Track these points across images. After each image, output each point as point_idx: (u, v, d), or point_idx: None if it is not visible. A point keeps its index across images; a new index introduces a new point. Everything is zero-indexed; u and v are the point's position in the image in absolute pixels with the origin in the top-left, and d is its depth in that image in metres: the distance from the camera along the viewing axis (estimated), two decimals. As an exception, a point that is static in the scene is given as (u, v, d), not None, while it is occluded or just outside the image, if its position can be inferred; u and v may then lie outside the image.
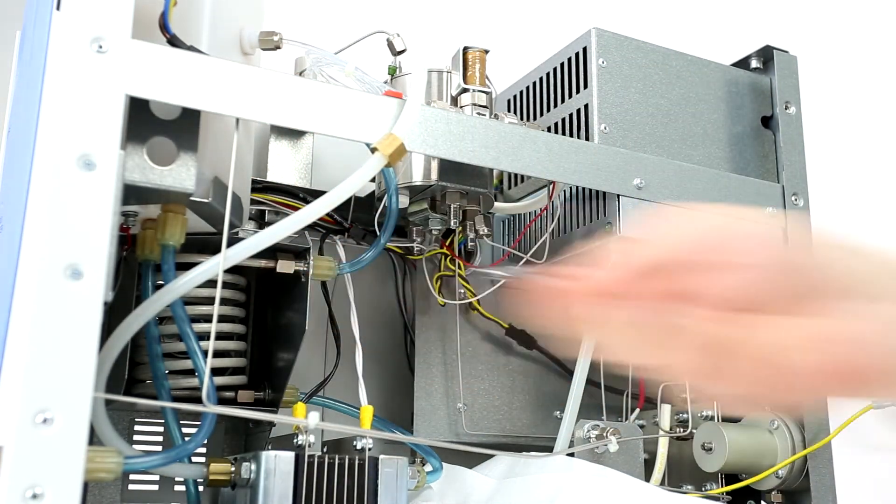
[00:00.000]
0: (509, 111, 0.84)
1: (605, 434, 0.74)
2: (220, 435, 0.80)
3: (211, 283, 0.58)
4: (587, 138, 0.74)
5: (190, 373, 0.68)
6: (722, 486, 0.79)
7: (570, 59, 0.78)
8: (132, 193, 0.56)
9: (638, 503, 0.68)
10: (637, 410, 0.81)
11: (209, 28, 0.61)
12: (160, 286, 0.57)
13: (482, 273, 0.81)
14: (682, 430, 0.78)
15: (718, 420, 0.78)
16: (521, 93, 0.85)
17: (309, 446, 0.63)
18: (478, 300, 0.81)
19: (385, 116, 0.61)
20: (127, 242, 0.63)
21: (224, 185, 0.60)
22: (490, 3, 1.58)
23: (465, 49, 0.72)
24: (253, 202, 0.74)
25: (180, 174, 0.56)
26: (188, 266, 0.57)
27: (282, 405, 0.72)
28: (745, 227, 0.37)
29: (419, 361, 0.80)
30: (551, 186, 0.77)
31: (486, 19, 1.54)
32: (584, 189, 0.75)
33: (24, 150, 0.53)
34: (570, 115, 0.77)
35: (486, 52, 0.72)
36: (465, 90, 0.71)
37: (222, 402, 0.71)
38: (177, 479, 0.77)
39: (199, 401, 0.56)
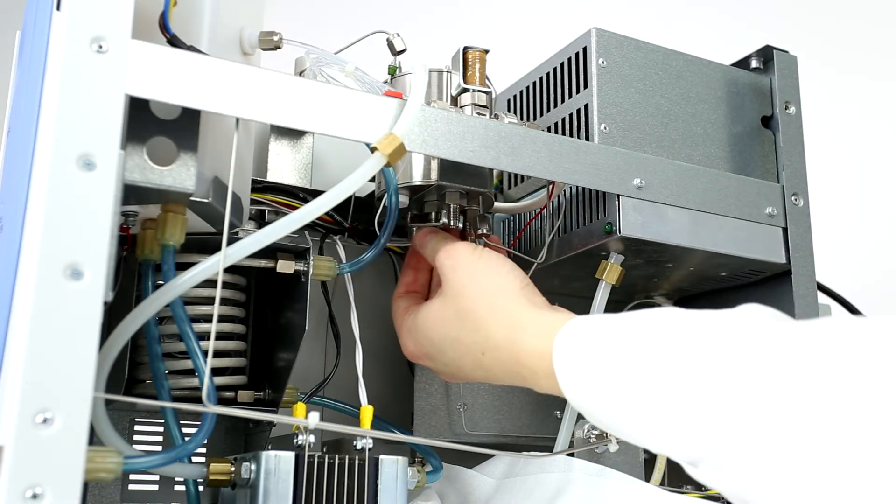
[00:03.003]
0: (509, 111, 0.84)
1: (605, 434, 0.74)
2: (220, 435, 0.80)
3: (211, 283, 0.58)
4: (587, 138, 0.74)
5: (190, 373, 0.68)
6: (722, 486, 0.79)
7: (570, 59, 0.78)
8: (132, 193, 0.56)
9: (638, 503, 0.67)
10: (637, 410, 0.81)
11: (209, 28, 0.61)
12: (160, 286, 0.57)
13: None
14: (682, 430, 0.78)
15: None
16: (521, 93, 0.85)
17: (309, 446, 0.63)
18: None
19: (385, 116, 0.61)
20: (127, 242, 0.63)
21: (224, 185, 0.60)
22: (490, 3, 1.58)
23: (465, 49, 0.72)
24: (253, 202, 0.74)
25: (180, 174, 0.56)
26: (188, 266, 0.57)
27: (282, 405, 0.72)
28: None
29: (419, 361, 0.80)
30: (551, 186, 0.77)
31: (486, 19, 1.54)
32: (583, 189, 0.75)
33: (24, 150, 0.53)
34: (570, 115, 0.77)
35: (486, 52, 0.72)
36: (465, 90, 0.71)
37: (222, 402, 0.71)
38: (177, 479, 0.77)
39: (199, 401, 0.56)
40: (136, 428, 0.78)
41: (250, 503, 0.60)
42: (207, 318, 0.66)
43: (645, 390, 0.49)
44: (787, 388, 0.43)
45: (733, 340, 0.48)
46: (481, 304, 0.63)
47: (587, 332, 0.56)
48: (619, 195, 0.71)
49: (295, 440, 0.64)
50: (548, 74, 0.81)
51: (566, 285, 0.85)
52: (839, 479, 0.40)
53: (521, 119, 0.83)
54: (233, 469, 0.62)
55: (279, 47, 0.67)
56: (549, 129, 0.79)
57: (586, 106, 0.75)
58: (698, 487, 0.81)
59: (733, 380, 0.45)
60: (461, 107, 0.71)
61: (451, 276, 0.66)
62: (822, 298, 0.85)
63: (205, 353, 0.58)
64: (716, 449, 0.46)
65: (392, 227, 0.70)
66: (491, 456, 0.77)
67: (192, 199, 0.57)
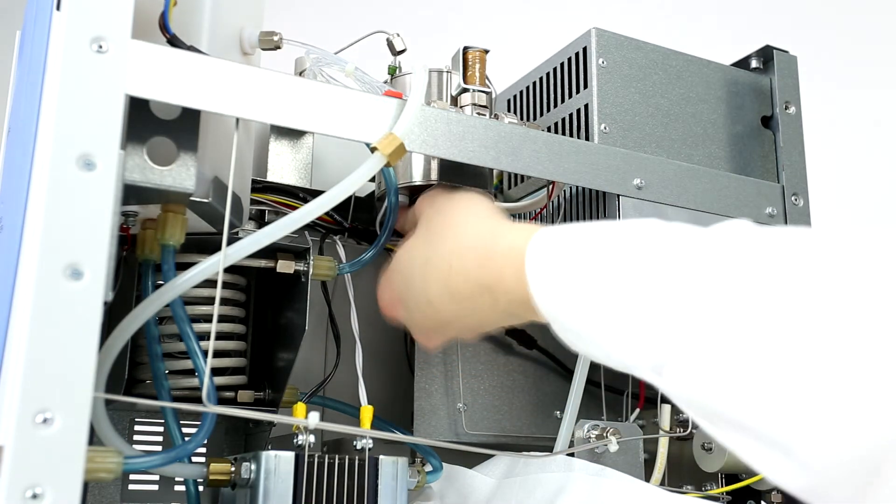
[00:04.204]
0: (509, 111, 0.84)
1: (605, 434, 0.74)
2: (220, 435, 0.80)
3: (211, 283, 0.58)
4: (587, 138, 0.74)
5: (190, 373, 0.68)
6: (722, 486, 0.79)
7: (570, 59, 0.78)
8: (132, 193, 0.56)
9: (638, 503, 0.67)
10: (637, 410, 0.81)
11: (209, 28, 0.61)
12: (160, 286, 0.57)
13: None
14: (682, 430, 0.78)
15: (718, 420, 0.77)
16: (521, 93, 0.85)
17: (309, 446, 0.63)
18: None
19: (385, 116, 0.61)
20: (127, 242, 0.63)
21: (224, 185, 0.60)
22: (490, 3, 1.58)
23: (465, 49, 0.72)
24: (253, 202, 0.74)
25: (180, 174, 0.56)
26: (188, 266, 0.57)
27: (282, 405, 0.72)
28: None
29: (419, 361, 0.80)
30: (551, 186, 0.77)
31: (486, 19, 1.54)
32: (583, 189, 0.75)
33: (24, 150, 0.53)
34: (570, 115, 0.77)
35: (486, 52, 0.72)
36: (465, 90, 0.71)
37: (222, 402, 0.71)
38: (177, 479, 0.77)
39: (199, 401, 0.56)
40: (136, 428, 0.78)
41: (250, 503, 0.61)
42: (207, 318, 0.66)
43: (615, 292, 0.48)
44: (757, 294, 0.42)
45: (708, 248, 0.46)
46: (453, 218, 0.62)
47: (564, 234, 0.53)
48: (619, 195, 0.71)
49: (295, 440, 0.64)
50: (548, 74, 0.81)
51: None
52: (808, 383, 0.39)
53: (521, 119, 0.83)
54: (233, 469, 0.62)
55: (279, 47, 0.68)
56: (549, 129, 0.79)
57: (586, 106, 0.75)
58: (698, 487, 0.81)
59: (705, 286, 0.44)
60: (461, 107, 0.71)
61: (428, 209, 0.66)
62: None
63: (205, 353, 0.58)
64: (684, 352, 0.44)
65: (392, 227, 0.70)
66: (491, 456, 0.77)
67: (192, 199, 0.57)
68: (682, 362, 0.44)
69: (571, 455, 0.72)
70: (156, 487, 0.77)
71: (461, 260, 0.59)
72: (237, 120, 0.59)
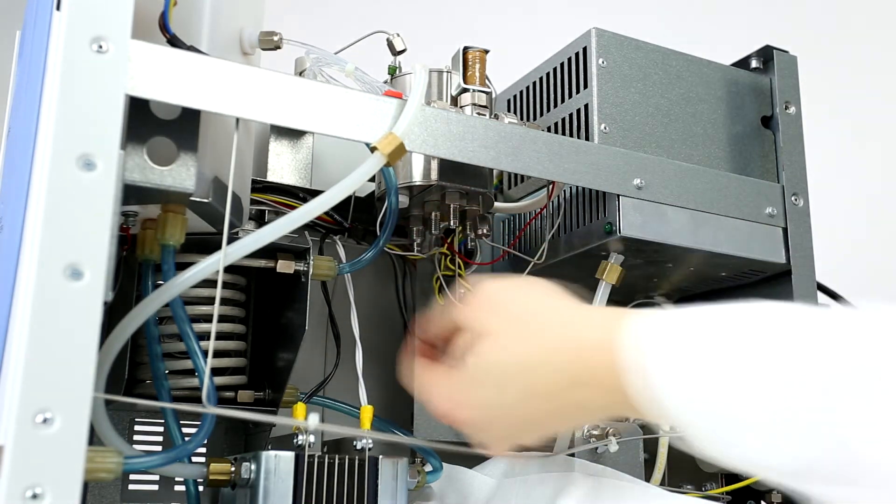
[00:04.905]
0: (509, 111, 0.84)
1: (605, 434, 0.74)
2: (220, 435, 0.80)
3: (211, 283, 0.58)
4: (587, 138, 0.74)
5: (190, 373, 0.68)
6: (722, 486, 0.79)
7: (570, 59, 0.78)
8: (132, 193, 0.56)
9: (638, 503, 0.67)
10: (637, 410, 0.81)
11: (209, 28, 0.61)
12: (160, 286, 0.57)
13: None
14: (682, 430, 0.78)
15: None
16: (521, 93, 0.85)
17: (309, 446, 0.63)
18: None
19: (385, 116, 0.61)
20: (127, 242, 0.63)
21: (224, 185, 0.60)
22: (490, 3, 1.58)
23: (465, 49, 0.72)
24: (253, 202, 0.74)
25: (180, 174, 0.56)
26: (188, 266, 0.57)
27: (282, 405, 0.72)
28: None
29: (419, 361, 0.80)
30: (551, 186, 0.77)
31: (486, 19, 1.54)
32: (583, 189, 0.76)
33: (24, 150, 0.53)
34: (570, 115, 0.77)
35: (486, 52, 0.72)
36: (465, 90, 0.71)
37: (222, 402, 0.71)
38: (177, 479, 0.77)
39: (199, 401, 0.56)
40: (136, 428, 0.78)
41: (250, 503, 0.61)
42: (207, 318, 0.66)
43: (752, 385, 0.41)
44: None
45: (862, 336, 0.41)
46: (524, 312, 0.53)
47: (670, 322, 0.46)
48: (619, 195, 0.71)
49: (295, 440, 0.64)
50: (548, 74, 0.81)
51: (566, 286, 0.85)
52: None
53: (521, 119, 0.83)
54: (233, 469, 0.62)
55: (279, 47, 0.68)
56: (549, 129, 0.79)
57: (586, 106, 0.75)
58: (698, 487, 0.81)
59: (865, 376, 0.39)
60: (461, 107, 0.71)
61: (481, 314, 0.54)
62: (822, 298, 0.85)
63: (205, 353, 0.58)
64: (842, 457, 0.38)
65: (392, 227, 0.70)
66: (491, 456, 0.77)
67: (192, 199, 0.57)
68: (839, 468, 0.39)
69: (571, 455, 0.72)
70: (156, 487, 0.77)
71: (548, 355, 0.51)
72: (237, 120, 0.59)
